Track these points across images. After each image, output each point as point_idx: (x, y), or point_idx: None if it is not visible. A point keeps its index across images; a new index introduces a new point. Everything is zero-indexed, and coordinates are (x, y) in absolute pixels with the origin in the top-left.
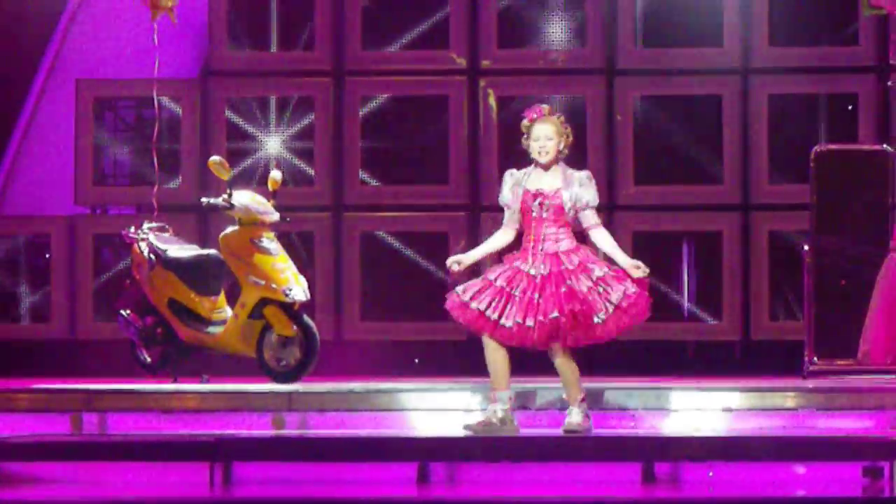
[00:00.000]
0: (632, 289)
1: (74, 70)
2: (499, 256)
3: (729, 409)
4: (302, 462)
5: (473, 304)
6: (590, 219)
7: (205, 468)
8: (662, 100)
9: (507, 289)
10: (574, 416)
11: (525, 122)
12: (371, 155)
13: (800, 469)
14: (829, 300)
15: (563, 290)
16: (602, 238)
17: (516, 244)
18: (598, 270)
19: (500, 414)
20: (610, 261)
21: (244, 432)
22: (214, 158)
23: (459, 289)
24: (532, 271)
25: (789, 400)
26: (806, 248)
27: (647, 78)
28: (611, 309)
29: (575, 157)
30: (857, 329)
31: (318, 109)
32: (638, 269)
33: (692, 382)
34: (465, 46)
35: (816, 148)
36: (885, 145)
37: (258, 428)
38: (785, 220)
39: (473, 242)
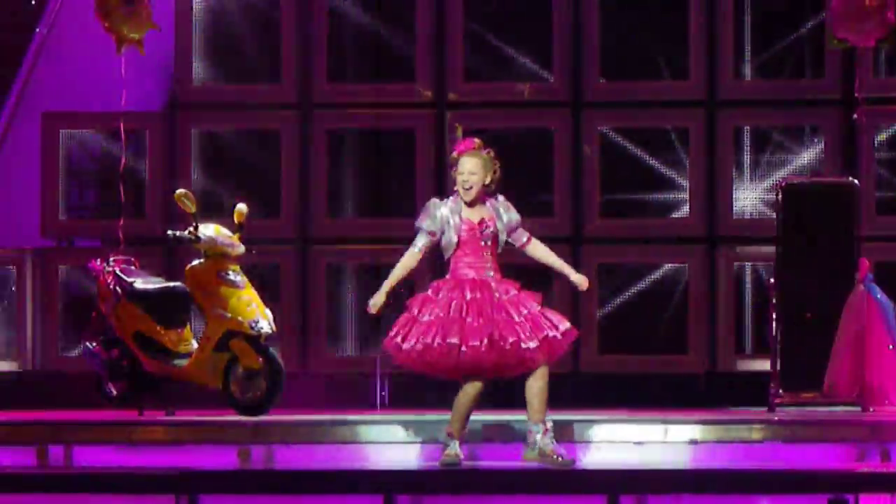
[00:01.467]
0: (563, 325)
1: (41, 103)
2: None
3: (694, 442)
4: (268, 494)
5: (416, 344)
6: (522, 236)
7: (170, 501)
8: (629, 132)
9: (449, 316)
10: (551, 442)
11: (454, 154)
12: (338, 187)
13: (765, 502)
14: (795, 333)
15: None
16: (541, 250)
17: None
18: (533, 305)
19: (459, 451)
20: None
21: (209, 465)
22: (180, 191)
23: (398, 339)
24: (470, 295)
25: (755, 432)
26: (772, 280)
27: (613, 110)
28: (535, 343)
29: (541, 188)
30: (823, 362)
31: (284, 142)
32: (584, 282)
33: (657, 415)
34: (432, 79)
35: (782, 181)
36: (850, 178)
37: (224, 460)
38: (751, 254)
39: (440, 275)
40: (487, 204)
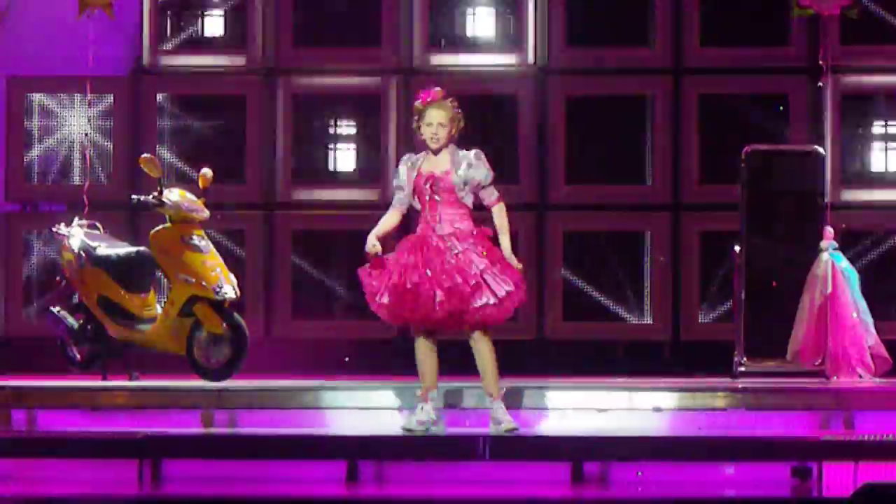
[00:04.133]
0: (503, 290)
1: (5, 67)
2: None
3: (658, 409)
4: (231, 460)
5: (384, 300)
6: (488, 196)
7: (134, 465)
8: (593, 99)
9: (406, 275)
10: (504, 413)
11: (418, 104)
12: (303, 152)
13: (729, 469)
14: (760, 301)
15: (454, 273)
16: (496, 217)
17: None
18: (486, 258)
19: (432, 414)
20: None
21: (173, 430)
22: (145, 156)
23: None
24: (433, 253)
25: (719, 400)
26: (736, 248)
27: (577, 77)
28: (491, 299)
29: (507, 156)
30: (787, 330)
31: (250, 107)
32: (513, 261)
33: (622, 382)
34: (398, 45)
35: (747, 148)
36: (815, 146)
37: (187, 425)
38: (715, 221)
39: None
40: (450, 156)
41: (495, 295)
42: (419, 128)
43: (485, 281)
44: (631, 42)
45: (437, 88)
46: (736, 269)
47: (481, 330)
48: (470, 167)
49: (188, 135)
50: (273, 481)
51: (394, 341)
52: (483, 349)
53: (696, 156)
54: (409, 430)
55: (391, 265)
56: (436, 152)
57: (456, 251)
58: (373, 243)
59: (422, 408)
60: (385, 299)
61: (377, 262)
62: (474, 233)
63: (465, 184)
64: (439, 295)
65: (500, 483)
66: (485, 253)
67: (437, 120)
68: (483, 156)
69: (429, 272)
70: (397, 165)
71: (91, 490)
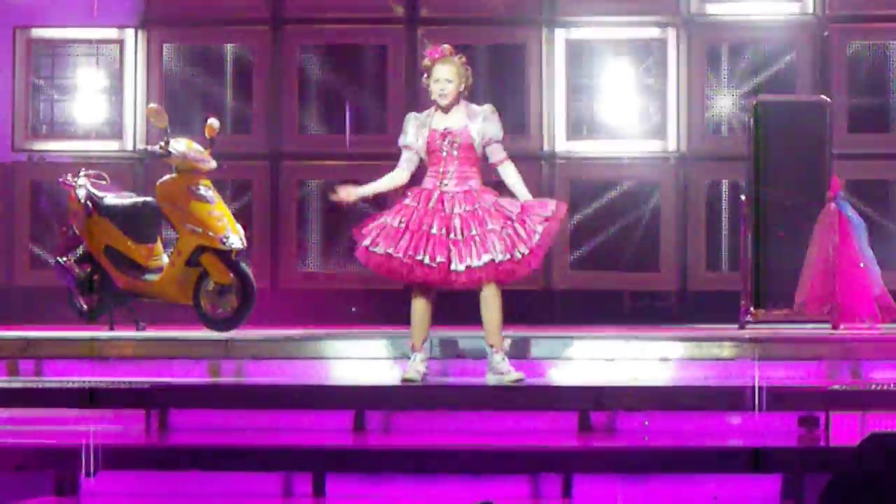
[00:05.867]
0: (535, 239)
1: (12, 18)
2: (397, 195)
3: (666, 359)
4: (238, 410)
5: (378, 249)
6: (497, 153)
7: (141, 415)
8: (599, 45)
9: (418, 228)
10: (506, 364)
11: (426, 61)
12: (309, 104)
13: (736, 419)
14: (767, 250)
15: (479, 230)
16: (509, 173)
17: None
18: (511, 206)
19: (421, 369)
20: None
21: (180, 380)
22: (152, 106)
23: (366, 241)
24: (448, 209)
25: (726, 350)
26: (743, 198)
27: (580, 24)
28: (517, 255)
29: (515, 105)
30: (794, 280)
31: (256, 57)
32: (550, 204)
33: (629, 332)
34: None
35: (755, 99)
36: (822, 96)
37: (194, 375)
38: (722, 171)
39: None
40: (464, 111)
41: (511, 252)
42: (428, 86)
43: (502, 238)
44: None
45: (446, 45)
46: (743, 219)
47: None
48: (485, 121)
49: (194, 86)
50: (279, 431)
51: (400, 292)
52: (493, 302)
53: (703, 104)
54: (409, 379)
55: (391, 217)
56: (445, 109)
57: (462, 210)
58: (348, 192)
59: (417, 357)
60: (383, 248)
61: (371, 219)
62: (488, 189)
63: (481, 138)
64: (455, 263)
65: (507, 433)
66: (500, 209)
67: (444, 76)
68: (496, 112)
69: (443, 231)
70: (404, 123)
71: (98, 439)
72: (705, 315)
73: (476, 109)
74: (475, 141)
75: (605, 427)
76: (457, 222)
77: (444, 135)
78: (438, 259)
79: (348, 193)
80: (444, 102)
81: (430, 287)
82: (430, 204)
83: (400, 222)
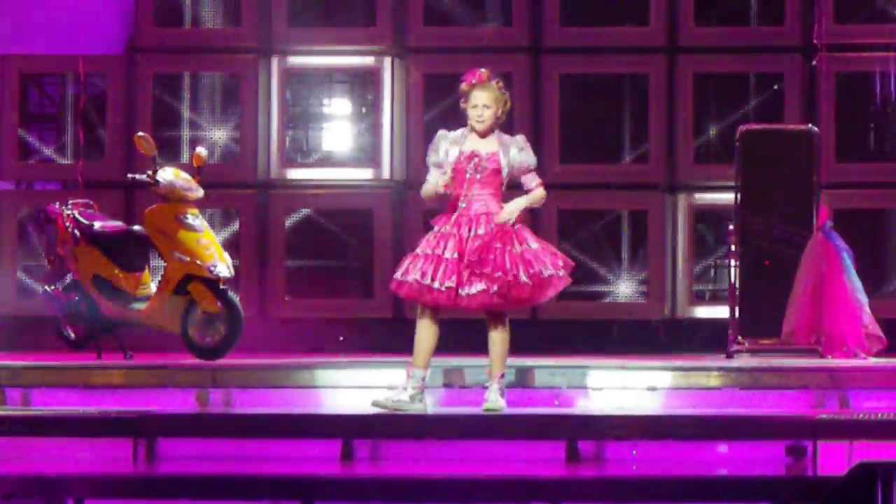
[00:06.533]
0: (559, 269)
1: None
2: (424, 225)
3: (653, 388)
4: (226, 438)
5: (409, 277)
6: (532, 181)
7: (129, 444)
8: (588, 78)
9: (435, 253)
10: (495, 394)
11: (464, 85)
12: (296, 132)
13: (723, 448)
14: (754, 280)
15: (496, 254)
16: (535, 194)
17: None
18: (532, 242)
19: (410, 391)
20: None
21: (168, 408)
22: (140, 134)
23: (398, 273)
24: (463, 233)
25: (713, 379)
26: (731, 227)
27: (572, 56)
28: (540, 277)
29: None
30: (782, 309)
31: (244, 86)
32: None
33: (616, 361)
34: (392, 24)
35: (742, 128)
36: (810, 125)
37: (182, 404)
38: (710, 200)
39: (400, 219)
40: (497, 138)
41: (516, 279)
42: (465, 110)
43: (516, 265)
44: (627, 21)
45: (483, 70)
46: (730, 249)
47: (503, 318)
48: (521, 151)
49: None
50: (267, 460)
51: (389, 320)
52: (499, 337)
53: (691, 134)
54: (377, 403)
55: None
56: (483, 134)
57: (475, 234)
58: (444, 180)
59: (402, 384)
60: (414, 276)
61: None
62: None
63: (514, 167)
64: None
65: (495, 462)
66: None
67: (482, 101)
68: (527, 140)
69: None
70: (434, 141)
71: (86, 469)
72: (692, 344)
73: (507, 139)
74: (503, 169)
75: (593, 456)
76: (473, 244)
77: (469, 157)
78: (447, 284)
79: (441, 183)
80: (481, 128)
81: (439, 309)
82: (446, 228)
83: (423, 250)
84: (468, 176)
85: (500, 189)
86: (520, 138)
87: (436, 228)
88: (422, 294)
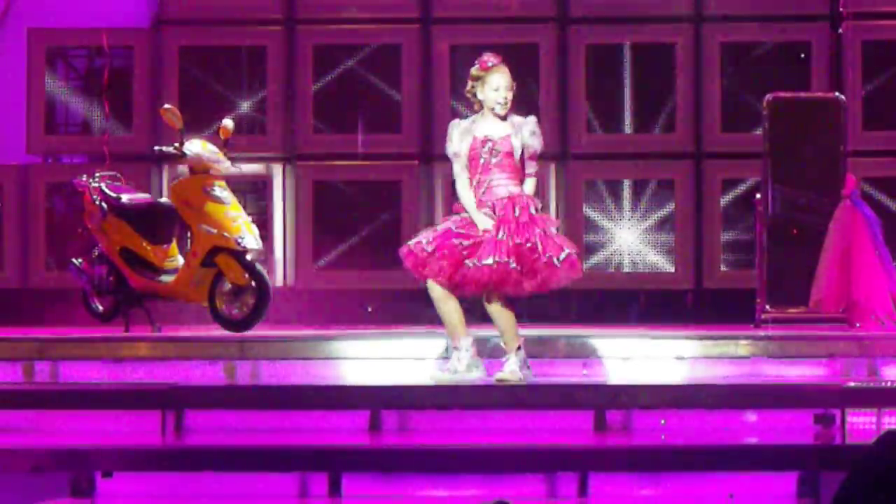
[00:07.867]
0: (572, 250)
1: (26, 19)
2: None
3: (681, 358)
4: (253, 410)
5: (418, 249)
6: (531, 166)
7: (157, 416)
8: (615, 48)
9: (455, 235)
10: (511, 365)
11: (478, 71)
12: (324, 103)
13: (752, 417)
14: (782, 248)
15: (514, 238)
16: (529, 186)
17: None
18: (550, 225)
19: (465, 361)
20: None
21: (196, 381)
22: (167, 107)
23: (410, 242)
24: (456, 218)
25: (741, 348)
26: (758, 196)
27: (599, 26)
28: (556, 261)
29: (528, 106)
30: (810, 277)
31: (270, 58)
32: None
33: (644, 330)
34: None
35: (769, 96)
36: (836, 93)
37: (210, 376)
38: (737, 169)
39: (427, 191)
40: (512, 120)
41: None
42: (477, 92)
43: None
44: None
45: (494, 54)
46: (758, 217)
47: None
48: (532, 135)
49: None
50: (296, 431)
51: (416, 291)
52: (496, 309)
53: (717, 103)
54: (436, 378)
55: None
56: (503, 117)
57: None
58: (483, 223)
59: (454, 357)
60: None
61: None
62: (529, 198)
63: (523, 150)
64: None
65: (522, 432)
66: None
67: (504, 84)
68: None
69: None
70: (448, 132)
71: (114, 441)
72: (720, 313)
73: (518, 120)
74: (516, 152)
75: (620, 426)
76: (498, 228)
77: (483, 142)
78: (475, 262)
79: (485, 223)
80: (503, 111)
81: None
82: (459, 213)
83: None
84: (482, 161)
85: (516, 170)
86: (531, 120)
87: (456, 213)
88: (436, 273)
